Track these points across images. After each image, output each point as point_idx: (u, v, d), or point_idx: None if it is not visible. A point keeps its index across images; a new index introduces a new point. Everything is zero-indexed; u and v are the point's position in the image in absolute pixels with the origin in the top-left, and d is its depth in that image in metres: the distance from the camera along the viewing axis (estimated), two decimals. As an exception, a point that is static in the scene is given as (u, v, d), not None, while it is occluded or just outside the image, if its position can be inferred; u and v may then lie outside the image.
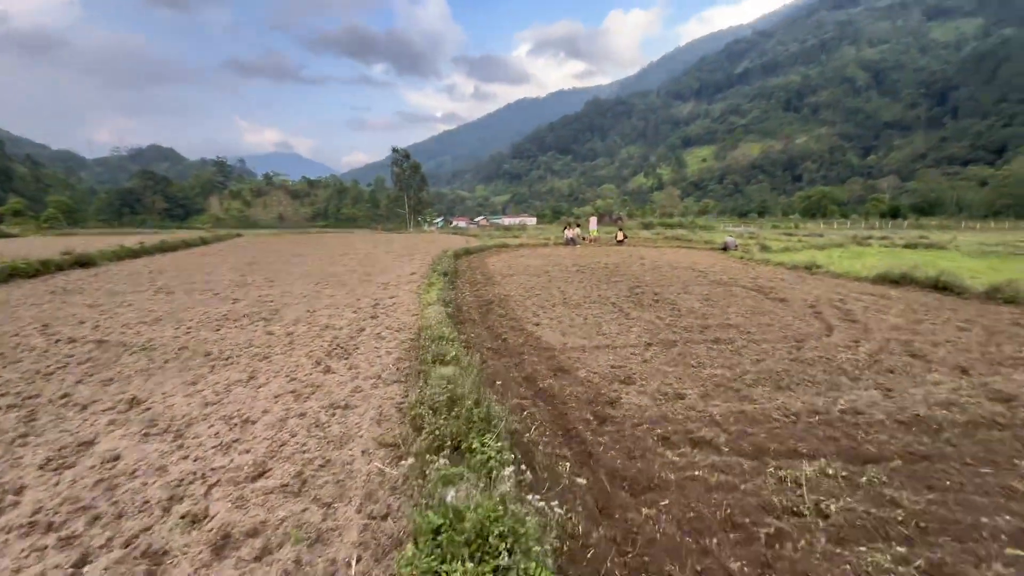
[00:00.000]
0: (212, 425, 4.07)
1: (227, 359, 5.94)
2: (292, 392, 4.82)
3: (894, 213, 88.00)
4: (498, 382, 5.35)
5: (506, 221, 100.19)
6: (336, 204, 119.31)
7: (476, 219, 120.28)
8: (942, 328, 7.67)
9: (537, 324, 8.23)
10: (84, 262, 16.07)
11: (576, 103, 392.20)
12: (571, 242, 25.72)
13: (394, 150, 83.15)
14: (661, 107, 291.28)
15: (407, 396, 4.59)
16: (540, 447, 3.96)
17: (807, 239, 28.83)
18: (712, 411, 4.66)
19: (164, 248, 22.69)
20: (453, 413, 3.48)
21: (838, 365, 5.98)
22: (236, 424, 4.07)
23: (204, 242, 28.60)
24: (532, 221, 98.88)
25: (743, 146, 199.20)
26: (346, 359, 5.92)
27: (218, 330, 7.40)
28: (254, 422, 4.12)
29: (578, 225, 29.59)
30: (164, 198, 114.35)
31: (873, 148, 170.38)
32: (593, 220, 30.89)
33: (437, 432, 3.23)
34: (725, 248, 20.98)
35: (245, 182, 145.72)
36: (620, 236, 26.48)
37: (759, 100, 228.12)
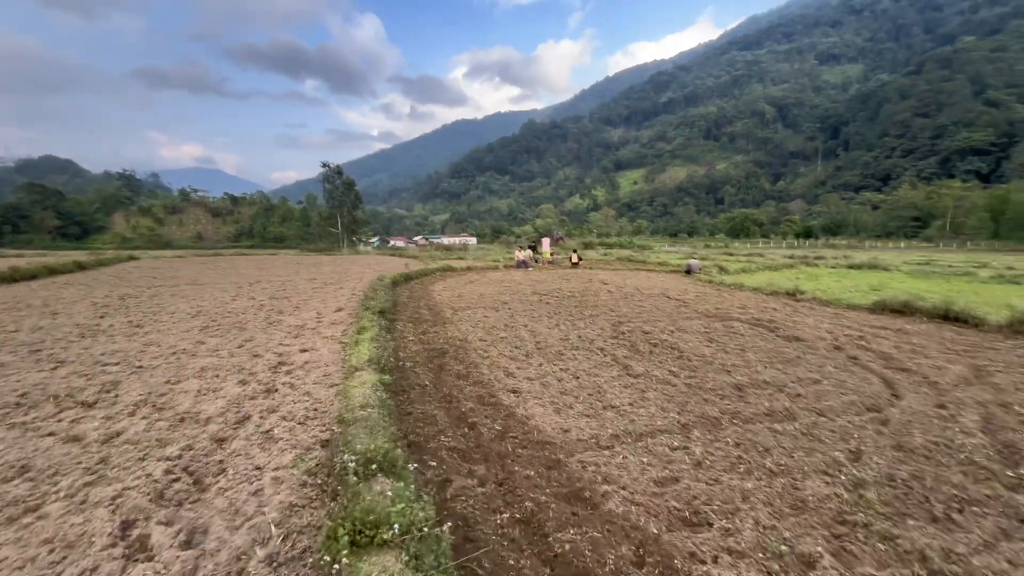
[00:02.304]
0: None
1: (-63, 524, 2.99)
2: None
3: (807, 233, 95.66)
4: (483, 560, 2.86)
5: (446, 240, 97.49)
6: (263, 222, 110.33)
7: (415, 238, 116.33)
8: (1018, 379, 6.20)
9: (515, 392, 5.84)
10: None
11: (513, 125, 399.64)
12: (523, 265, 23.67)
13: (324, 165, 77.94)
14: (594, 131, 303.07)
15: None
16: None
17: (755, 260, 28.86)
18: (893, 607, 2.51)
19: (14, 277, 17.82)
20: None
21: (968, 456, 4.12)
22: None
23: (80, 267, 23.41)
24: (473, 241, 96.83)
25: (670, 170, 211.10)
26: (190, 507, 3.19)
27: (-20, 435, 4.31)
28: None
29: (531, 246, 27.70)
30: (56, 214, 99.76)
31: (782, 175, 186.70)
32: (546, 241, 29.17)
33: None
34: (689, 271, 19.84)
35: (158, 198, 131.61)
36: (575, 258, 24.85)
37: (683, 128, 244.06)
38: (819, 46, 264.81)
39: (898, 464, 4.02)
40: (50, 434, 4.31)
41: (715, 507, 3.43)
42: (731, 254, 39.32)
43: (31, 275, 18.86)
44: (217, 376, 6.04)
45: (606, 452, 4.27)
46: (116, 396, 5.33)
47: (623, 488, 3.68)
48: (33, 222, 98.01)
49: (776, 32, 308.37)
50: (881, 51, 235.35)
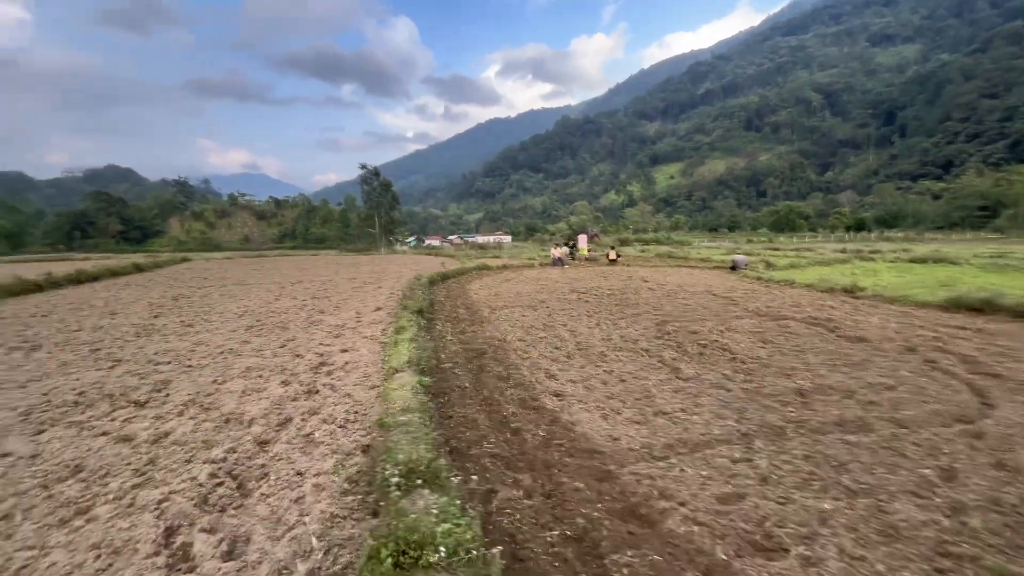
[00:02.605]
0: None
1: (-4, 523, 3.05)
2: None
3: (859, 226, 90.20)
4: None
5: (481, 239, 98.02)
6: (305, 224, 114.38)
7: (450, 237, 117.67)
8: None
9: (558, 395, 5.60)
10: (-46, 301, 12.60)
11: (546, 122, 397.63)
12: (559, 262, 23.34)
13: (362, 167, 79.83)
14: (629, 126, 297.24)
15: None
16: None
17: (804, 254, 27.37)
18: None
19: (80, 279, 19.03)
20: None
21: (1089, 480, 3.57)
22: None
23: (138, 269, 24.81)
24: (507, 239, 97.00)
25: (709, 163, 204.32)
26: (233, 513, 3.13)
27: (40, 433, 4.46)
28: None
29: (567, 244, 27.29)
30: (120, 220, 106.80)
31: (830, 165, 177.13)
32: (583, 238, 28.69)
33: None
34: (734, 267, 18.97)
35: (209, 203, 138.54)
36: (613, 255, 24.29)
37: (722, 119, 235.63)
38: (871, 27, 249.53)
39: (1002, 486, 3.52)
40: (103, 433, 4.41)
41: (790, 530, 3.07)
42: (777, 249, 37.52)
43: (94, 277, 20.11)
44: (261, 376, 6.09)
45: (661, 463, 3.96)
46: (167, 395, 5.45)
47: (682, 505, 3.38)
48: (99, 227, 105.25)
49: (823, 15, 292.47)
50: (941, 29, 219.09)
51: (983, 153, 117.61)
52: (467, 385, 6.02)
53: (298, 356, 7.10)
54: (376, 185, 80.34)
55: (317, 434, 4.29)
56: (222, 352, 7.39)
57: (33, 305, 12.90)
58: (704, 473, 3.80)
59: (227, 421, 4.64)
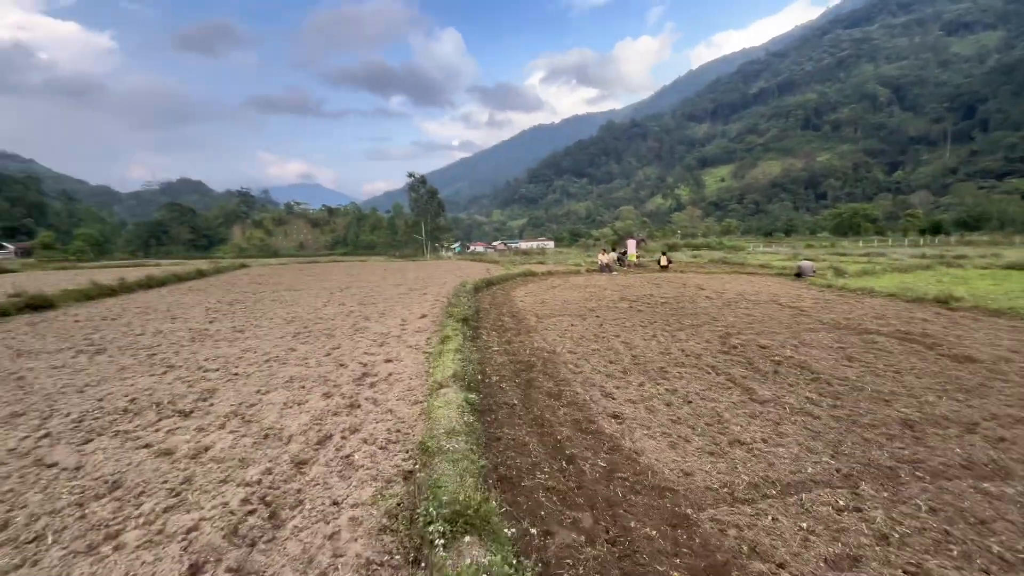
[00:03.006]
0: None
1: (15, 544, 2.89)
2: None
3: (935, 229, 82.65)
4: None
5: (524, 245, 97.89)
6: (355, 231, 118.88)
7: (493, 244, 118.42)
8: None
9: (617, 417, 5.05)
10: (38, 304, 13.56)
11: (590, 128, 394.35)
12: (606, 268, 22.55)
13: (410, 175, 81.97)
14: (676, 129, 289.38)
15: None
16: None
17: (877, 260, 25.13)
18: None
19: (150, 284, 20.21)
20: None
21: None
22: None
23: (201, 274, 26.20)
24: (551, 245, 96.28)
25: (762, 165, 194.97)
26: (263, 548, 2.82)
27: (87, 442, 4.41)
28: None
29: (614, 249, 26.43)
30: (190, 229, 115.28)
31: (899, 164, 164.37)
32: (631, 243, 27.67)
33: None
34: (799, 274, 17.54)
35: (268, 212, 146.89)
36: (664, 261, 23.23)
37: (776, 119, 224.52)
38: (944, 15, 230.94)
39: None
40: (146, 446, 4.29)
41: (933, 615, 2.41)
42: (843, 254, 34.83)
43: (162, 282, 21.30)
44: (303, 387, 5.91)
45: (746, 508, 3.35)
46: (211, 405, 5.35)
47: (782, 567, 2.77)
48: (172, 236, 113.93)
49: (890, 4, 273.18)
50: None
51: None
52: (515, 402, 5.57)
53: (342, 365, 6.91)
54: (423, 193, 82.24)
55: (357, 456, 3.98)
56: (268, 360, 7.34)
57: (105, 308, 13.66)
58: (803, 525, 3.15)
59: (266, 436, 4.42)
